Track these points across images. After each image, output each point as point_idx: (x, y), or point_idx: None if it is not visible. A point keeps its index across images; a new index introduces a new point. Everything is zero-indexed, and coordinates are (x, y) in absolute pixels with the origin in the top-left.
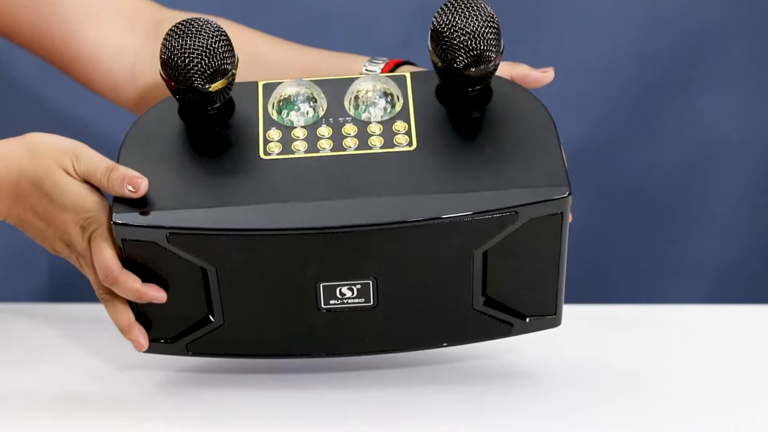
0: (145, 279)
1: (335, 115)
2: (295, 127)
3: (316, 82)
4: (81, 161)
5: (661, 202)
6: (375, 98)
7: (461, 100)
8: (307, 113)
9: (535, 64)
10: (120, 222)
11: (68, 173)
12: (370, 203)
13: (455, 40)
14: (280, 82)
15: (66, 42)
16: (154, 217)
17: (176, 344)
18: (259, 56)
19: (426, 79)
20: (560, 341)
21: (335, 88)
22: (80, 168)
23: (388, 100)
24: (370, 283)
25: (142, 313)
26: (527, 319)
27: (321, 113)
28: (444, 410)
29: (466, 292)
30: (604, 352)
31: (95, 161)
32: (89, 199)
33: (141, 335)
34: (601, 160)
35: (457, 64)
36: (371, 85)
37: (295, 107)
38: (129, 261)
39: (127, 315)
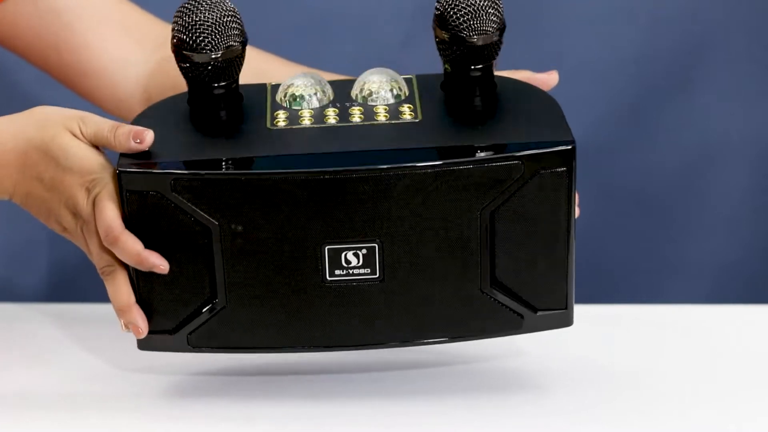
0: (148, 248)
1: (342, 101)
2: (303, 110)
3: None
4: (88, 123)
5: (661, 202)
6: (382, 87)
7: (466, 86)
8: (314, 100)
9: (536, 63)
10: (124, 169)
11: (75, 135)
12: (375, 151)
13: (461, 10)
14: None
15: (71, 54)
16: (159, 165)
17: (177, 336)
18: (266, 75)
19: (431, 78)
20: (560, 341)
21: (343, 84)
22: (87, 130)
23: (395, 89)
24: (376, 247)
25: (142, 299)
26: (538, 313)
27: (327, 101)
28: (441, 411)
29: (473, 267)
30: (603, 351)
31: (101, 121)
32: (95, 160)
33: (140, 318)
34: (601, 160)
35: (462, 32)
36: (378, 77)
37: (303, 96)
38: (132, 222)
39: (128, 293)
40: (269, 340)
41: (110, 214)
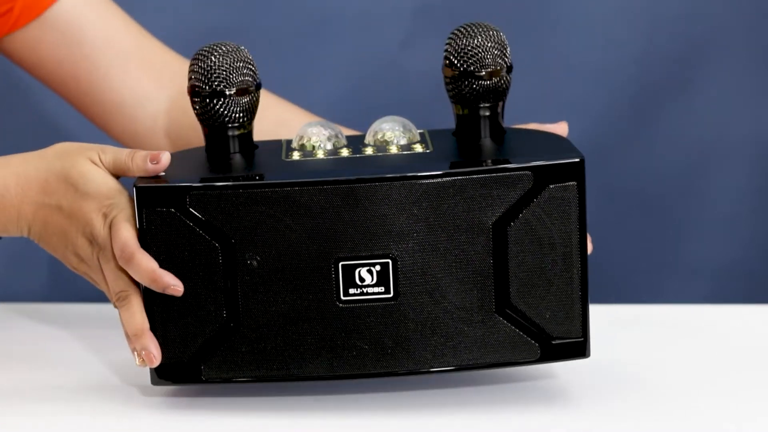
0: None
1: (355, 143)
2: (317, 150)
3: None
4: (106, 152)
5: (661, 202)
6: (394, 134)
7: (475, 125)
8: (329, 144)
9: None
10: (142, 185)
11: (95, 163)
12: (387, 164)
13: (470, 50)
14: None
15: (91, 84)
16: (176, 181)
17: (190, 366)
18: (285, 125)
19: (443, 131)
20: None
21: (356, 136)
22: (106, 158)
23: (407, 135)
24: (390, 263)
25: (157, 330)
26: (554, 342)
27: (341, 145)
28: (441, 403)
29: (486, 288)
30: (602, 351)
31: (119, 149)
32: (113, 185)
33: (153, 344)
34: (601, 160)
35: (470, 66)
36: (390, 124)
37: (318, 141)
38: (148, 241)
39: (142, 318)
40: (283, 367)
41: (126, 233)
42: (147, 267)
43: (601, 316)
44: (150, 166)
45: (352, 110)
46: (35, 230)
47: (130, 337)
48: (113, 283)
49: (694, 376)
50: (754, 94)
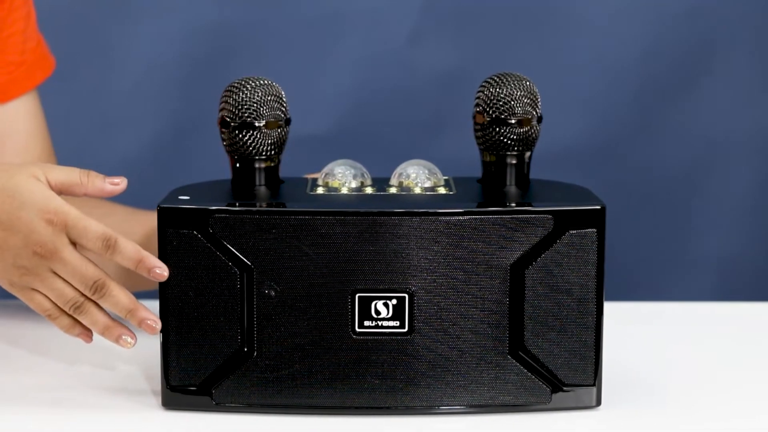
0: (183, 299)
1: (380, 183)
2: (342, 187)
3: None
4: (54, 170)
5: (666, 199)
6: (419, 176)
7: (502, 173)
8: (354, 183)
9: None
10: (166, 205)
11: (36, 178)
12: (410, 201)
13: (501, 98)
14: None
15: None
16: (200, 204)
17: (201, 390)
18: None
19: (468, 178)
20: None
21: (381, 178)
22: (53, 175)
23: (432, 179)
24: (406, 297)
25: (171, 351)
26: (565, 388)
27: (366, 183)
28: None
29: (501, 329)
30: (607, 348)
31: (72, 168)
32: (52, 198)
33: (148, 312)
34: (607, 157)
35: (502, 114)
36: (416, 168)
37: (342, 178)
38: (168, 262)
39: (127, 294)
40: (295, 399)
41: (98, 225)
42: (132, 249)
43: (605, 314)
44: (108, 186)
45: (359, 104)
46: None
47: (127, 315)
48: (83, 276)
49: (701, 374)
50: (761, 90)
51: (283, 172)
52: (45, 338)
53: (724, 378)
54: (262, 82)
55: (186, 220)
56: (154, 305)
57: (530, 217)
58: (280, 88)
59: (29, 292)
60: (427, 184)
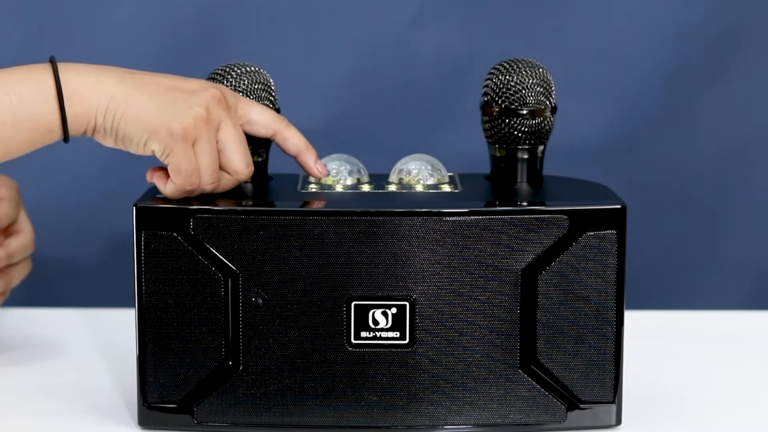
0: (162, 308)
1: (378, 180)
2: (336, 184)
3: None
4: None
5: (696, 197)
6: (421, 173)
7: (512, 168)
8: (349, 179)
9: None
10: (142, 205)
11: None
12: (410, 199)
13: (512, 87)
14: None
15: None
16: (180, 203)
17: (182, 407)
18: None
19: (475, 174)
20: None
21: (379, 175)
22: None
23: (435, 175)
24: (407, 305)
25: (148, 365)
26: (582, 405)
27: (363, 181)
28: None
29: (512, 340)
30: (632, 360)
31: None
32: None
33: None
34: (631, 151)
35: (512, 104)
36: (418, 164)
37: (336, 174)
38: (146, 266)
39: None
40: (285, 417)
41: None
42: (302, 137)
43: (628, 324)
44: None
45: (356, 93)
46: (123, 89)
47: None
48: (241, 136)
49: (732, 392)
50: None
51: (272, 168)
52: (19, 344)
53: (761, 397)
54: (248, 68)
55: (165, 220)
56: (129, 314)
57: (543, 218)
58: (268, 75)
59: (190, 149)
60: (430, 181)
